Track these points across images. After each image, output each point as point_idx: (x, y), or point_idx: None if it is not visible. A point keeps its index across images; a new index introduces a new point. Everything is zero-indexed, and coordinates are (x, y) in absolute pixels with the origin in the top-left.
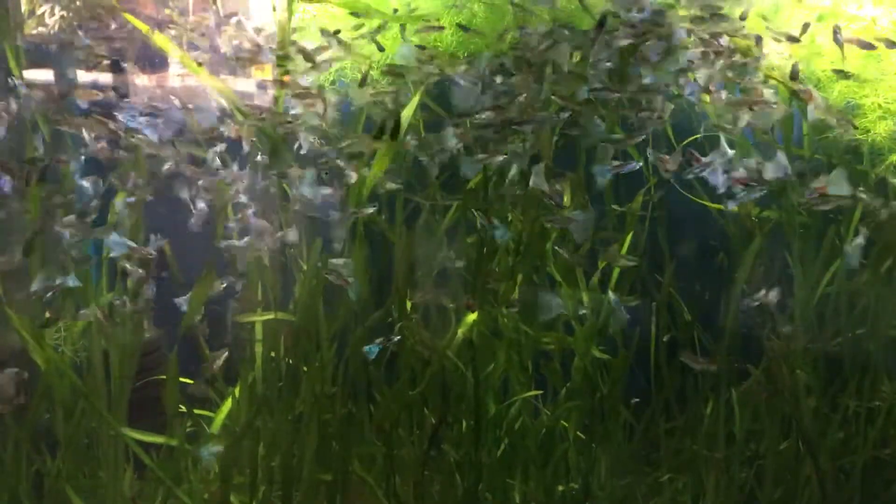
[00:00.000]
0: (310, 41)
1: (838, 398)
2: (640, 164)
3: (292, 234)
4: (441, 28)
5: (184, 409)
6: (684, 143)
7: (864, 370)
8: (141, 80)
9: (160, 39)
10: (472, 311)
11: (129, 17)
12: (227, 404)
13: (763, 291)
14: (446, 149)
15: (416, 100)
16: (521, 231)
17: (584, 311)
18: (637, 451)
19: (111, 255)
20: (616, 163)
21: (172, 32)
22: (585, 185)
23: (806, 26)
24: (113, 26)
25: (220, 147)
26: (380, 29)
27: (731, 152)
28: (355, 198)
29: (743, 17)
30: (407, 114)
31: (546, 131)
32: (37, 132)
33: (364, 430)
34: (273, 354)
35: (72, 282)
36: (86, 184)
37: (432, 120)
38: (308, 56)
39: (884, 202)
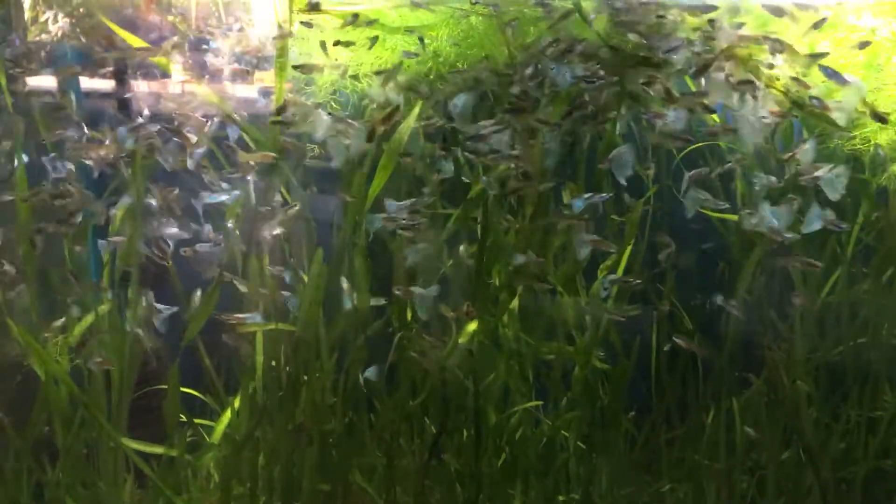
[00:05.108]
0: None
1: (840, 408)
2: None
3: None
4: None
5: (184, 418)
6: (682, 153)
7: (866, 379)
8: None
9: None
10: (471, 319)
11: (124, 33)
12: (228, 414)
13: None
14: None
15: (415, 111)
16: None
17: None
18: (638, 461)
19: None
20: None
21: (175, 39)
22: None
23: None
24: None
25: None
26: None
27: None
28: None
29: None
30: (408, 124)
31: (536, 142)
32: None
33: (364, 439)
34: (273, 364)
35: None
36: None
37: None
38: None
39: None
